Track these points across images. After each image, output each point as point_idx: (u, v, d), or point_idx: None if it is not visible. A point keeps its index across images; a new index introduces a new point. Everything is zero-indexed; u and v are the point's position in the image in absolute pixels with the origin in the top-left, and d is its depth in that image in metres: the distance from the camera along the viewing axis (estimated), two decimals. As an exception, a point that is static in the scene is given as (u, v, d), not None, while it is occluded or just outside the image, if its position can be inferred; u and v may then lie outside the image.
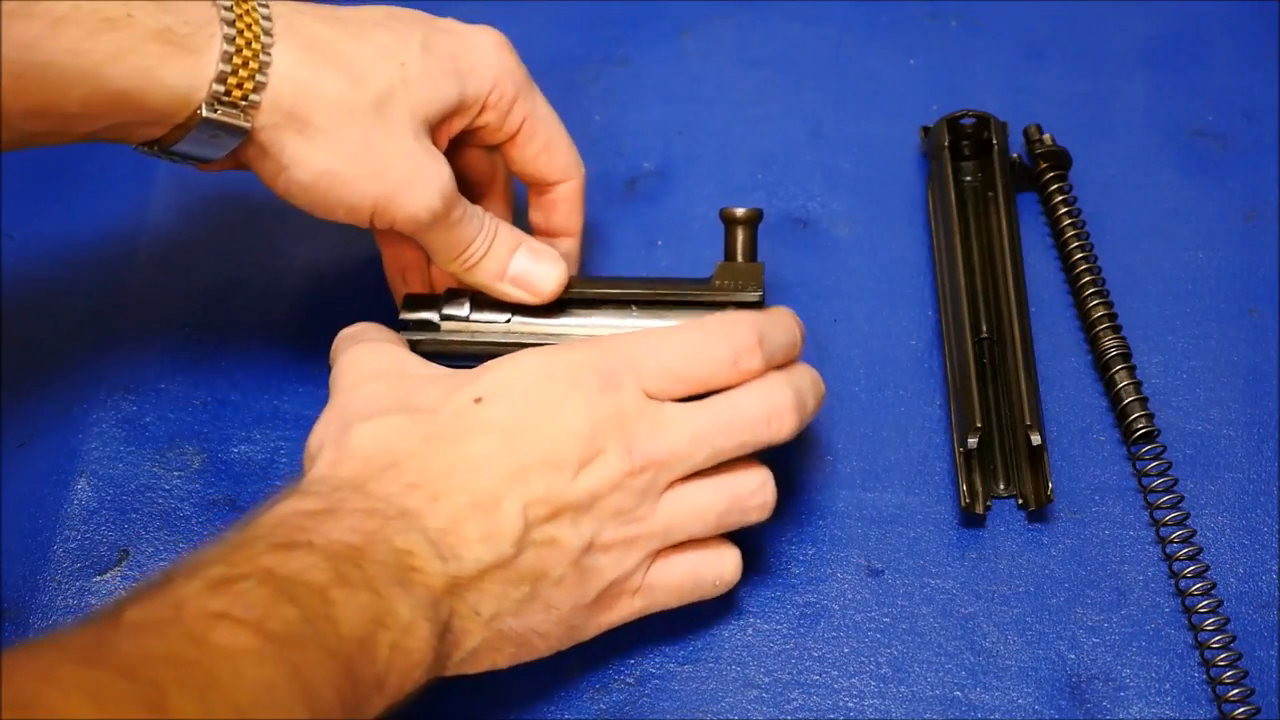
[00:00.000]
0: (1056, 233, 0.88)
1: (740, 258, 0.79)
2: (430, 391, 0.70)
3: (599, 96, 0.95)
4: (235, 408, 0.84)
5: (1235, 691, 0.74)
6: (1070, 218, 0.87)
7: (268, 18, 0.72)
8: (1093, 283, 0.85)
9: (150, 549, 0.80)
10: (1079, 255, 0.86)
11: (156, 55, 0.70)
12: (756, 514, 0.73)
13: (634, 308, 0.78)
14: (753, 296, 0.78)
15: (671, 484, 0.70)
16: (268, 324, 0.87)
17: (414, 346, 0.77)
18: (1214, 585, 0.77)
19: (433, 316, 0.78)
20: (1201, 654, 0.76)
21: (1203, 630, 0.76)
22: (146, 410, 0.84)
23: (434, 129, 0.76)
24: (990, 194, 0.88)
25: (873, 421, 0.83)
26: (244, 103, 0.71)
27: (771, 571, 0.79)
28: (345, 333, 0.76)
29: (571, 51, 0.96)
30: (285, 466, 0.82)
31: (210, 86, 0.71)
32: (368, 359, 0.73)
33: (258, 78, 0.71)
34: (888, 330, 0.86)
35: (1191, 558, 0.78)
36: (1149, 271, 0.87)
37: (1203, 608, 0.77)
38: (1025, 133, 0.91)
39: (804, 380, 0.73)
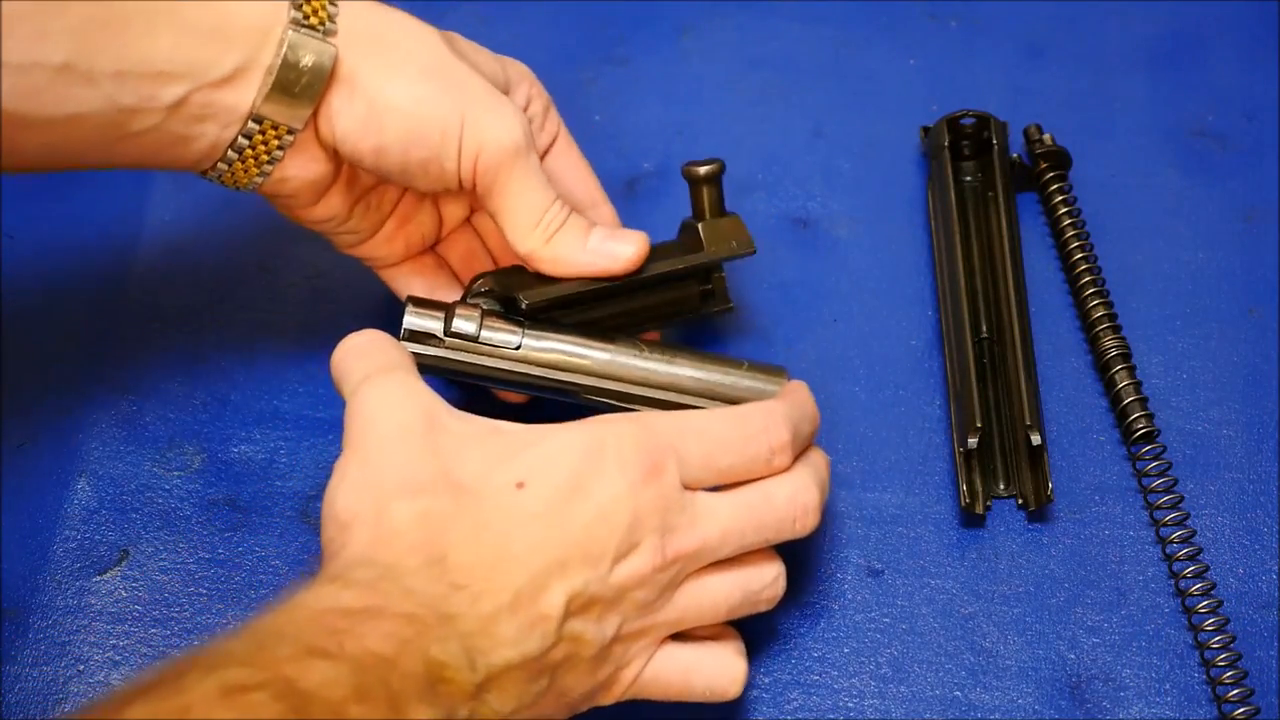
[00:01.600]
0: (1056, 233, 0.88)
1: (709, 214, 0.79)
2: (469, 461, 0.67)
3: (599, 96, 0.94)
4: (235, 408, 0.84)
5: (1235, 691, 0.74)
6: (1070, 218, 0.87)
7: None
8: (1093, 283, 0.85)
9: (150, 549, 0.80)
10: (1079, 255, 0.86)
11: None
12: (765, 605, 0.72)
13: (646, 350, 0.77)
14: (748, 250, 0.78)
15: (691, 574, 0.69)
16: (268, 324, 0.87)
17: (417, 360, 0.75)
18: (1214, 585, 0.77)
19: (438, 329, 0.76)
20: (1201, 654, 0.76)
21: (1203, 630, 0.76)
22: (146, 410, 0.84)
23: None
24: (990, 194, 0.88)
25: (873, 421, 0.83)
26: (322, 27, 0.71)
27: (771, 571, 0.79)
28: (356, 347, 0.72)
29: (571, 51, 0.96)
30: (285, 466, 0.82)
31: (289, 14, 0.71)
32: (394, 406, 0.68)
33: (329, 8, 0.72)
34: (888, 330, 0.86)
35: (1191, 558, 0.78)
36: (1149, 271, 0.87)
37: (1203, 608, 0.77)
38: (1025, 133, 0.91)
39: (824, 473, 0.73)
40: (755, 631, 0.77)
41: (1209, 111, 0.93)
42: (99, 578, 0.80)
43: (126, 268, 0.88)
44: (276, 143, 0.72)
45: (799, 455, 0.72)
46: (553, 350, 0.76)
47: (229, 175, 0.74)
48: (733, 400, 0.76)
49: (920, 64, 0.95)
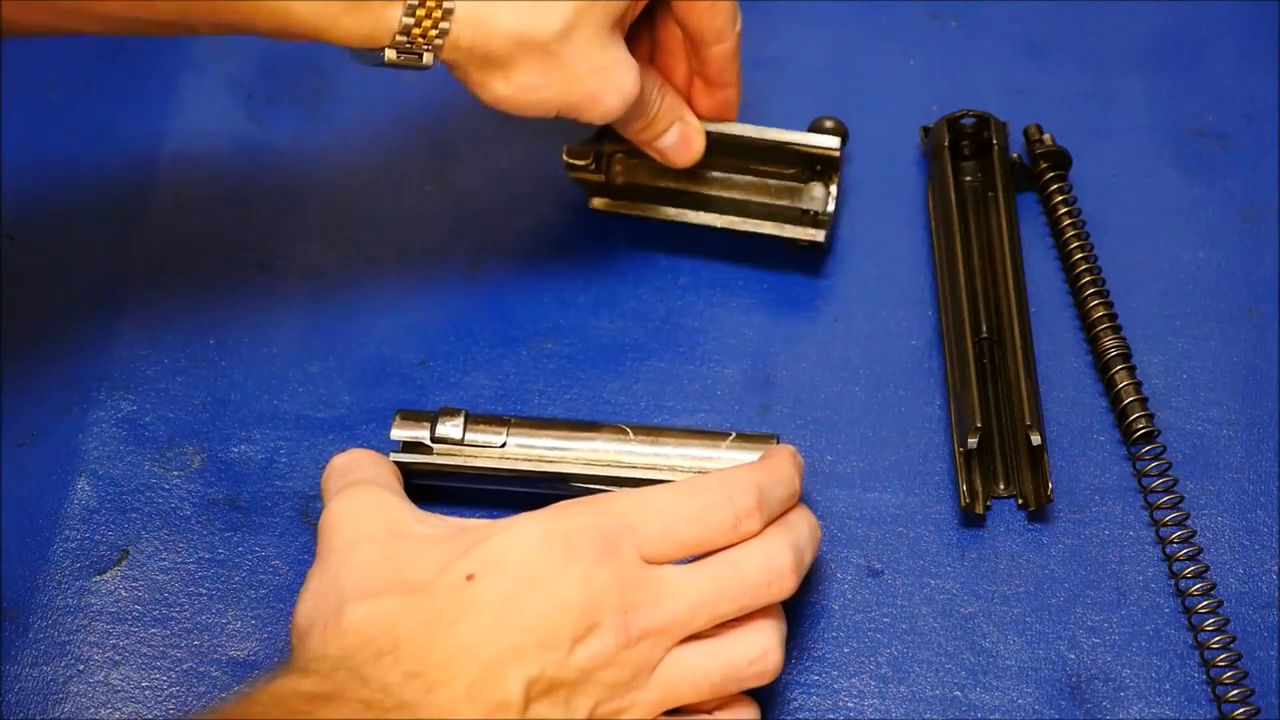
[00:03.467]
0: (1056, 233, 0.88)
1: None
2: (424, 562, 0.68)
3: (599, 96, 0.94)
4: (235, 408, 0.84)
5: (1235, 691, 0.74)
6: (1070, 218, 0.87)
7: None
8: (1093, 283, 0.85)
9: (150, 549, 0.80)
10: (1079, 255, 0.86)
11: (342, 9, 0.72)
12: (755, 681, 0.70)
13: (630, 433, 0.78)
14: (833, 143, 0.86)
15: (669, 649, 0.68)
16: (268, 324, 0.87)
17: (404, 468, 0.77)
18: (1214, 585, 0.77)
19: (424, 437, 0.78)
20: (1201, 654, 0.76)
21: (1203, 630, 0.76)
22: (146, 410, 0.84)
23: (624, 19, 0.78)
24: (990, 194, 0.88)
25: (873, 421, 0.83)
26: (426, 47, 0.74)
27: (771, 571, 0.79)
28: (338, 466, 0.75)
29: (571, 51, 0.96)
30: (285, 466, 0.82)
31: (394, 36, 0.73)
32: (359, 517, 0.70)
33: (440, 25, 0.73)
34: (888, 330, 0.86)
35: (1191, 558, 0.78)
36: (1149, 271, 0.87)
37: (1203, 608, 0.77)
38: (1025, 133, 0.91)
39: (803, 534, 0.71)
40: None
41: (1209, 111, 0.93)
42: (99, 578, 0.80)
43: (126, 267, 0.88)
44: (439, 13, 0.73)
45: (777, 519, 0.71)
46: (537, 446, 0.78)
47: (408, 45, 0.74)
48: None
49: (920, 64, 0.95)
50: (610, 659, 0.66)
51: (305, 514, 0.81)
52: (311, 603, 0.68)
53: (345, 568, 0.68)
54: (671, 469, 0.77)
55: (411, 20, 0.72)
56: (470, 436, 0.78)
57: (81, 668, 0.77)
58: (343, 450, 0.76)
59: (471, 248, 0.89)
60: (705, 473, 0.74)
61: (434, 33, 0.73)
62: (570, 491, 0.76)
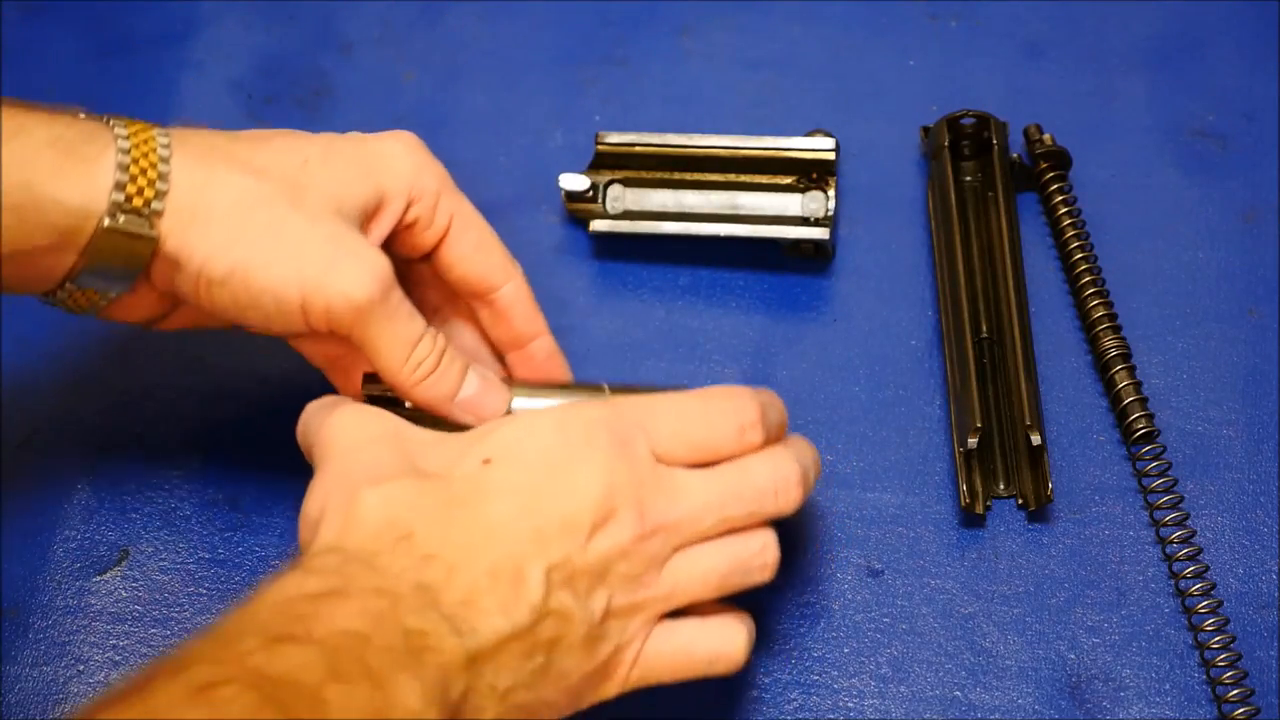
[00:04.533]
0: (1056, 233, 0.88)
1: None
2: (436, 454, 0.67)
3: (599, 96, 0.95)
4: (235, 408, 0.84)
5: (1235, 691, 0.74)
6: (1070, 218, 0.87)
7: (163, 134, 0.71)
8: (1093, 283, 0.85)
9: (150, 549, 0.80)
10: (1079, 255, 0.86)
11: (50, 163, 0.68)
12: (759, 575, 0.70)
13: (607, 390, 0.76)
14: (828, 145, 0.86)
15: (677, 548, 0.69)
16: (268, 324, 0.87)
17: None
18: (1214, 585, 0.77)
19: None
20: (1201, 654, 0.76)
21: (1203, 630, 0.76)
22: (146, 410, 0.84)
23: (360, 225, 0.73)
24: (990, 194, 0.88)
25: (873, 421, 0.83)
26: (147, 210, 0.69)
27: (771, 571, 0.79)
28: (315, 404, 0.72)
29: (571, 51, 0.96)
30: (285, 466, 0.82)
31: (110, 196, 0.69)
32: (360, 423, 0.69)
33: (158, 185, 0.70)
34: (888, 330, 0.86)
35: (1191, 558, 0.78)
36: (1149, 271, 0.87)
37: (1203, 608, 0.77)
38: (1025, 133, 0.91)
39: (806, 454, 0.72)
40: (756, 631, 0.77)
41: (1209, 111, 0.93)
42: (99, 578, 0.80)
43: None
44: (100, 300, 0.71)
45: (774, 441, 0.71)
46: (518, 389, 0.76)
47: (64, 306, 0.72)
48: None
49: (920, 64, 0.95)
50: (626, 550, 0.66)
51: (305, 514, 0.81)
52: (321, 496, 0.66)
53: (355, 462, 0.67)
54: None
55: (125, 176, 0.69)
56: None
57: (81, 668, 0.77)
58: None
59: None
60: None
61: (151, 191, 0.69)
62: None
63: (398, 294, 0.72)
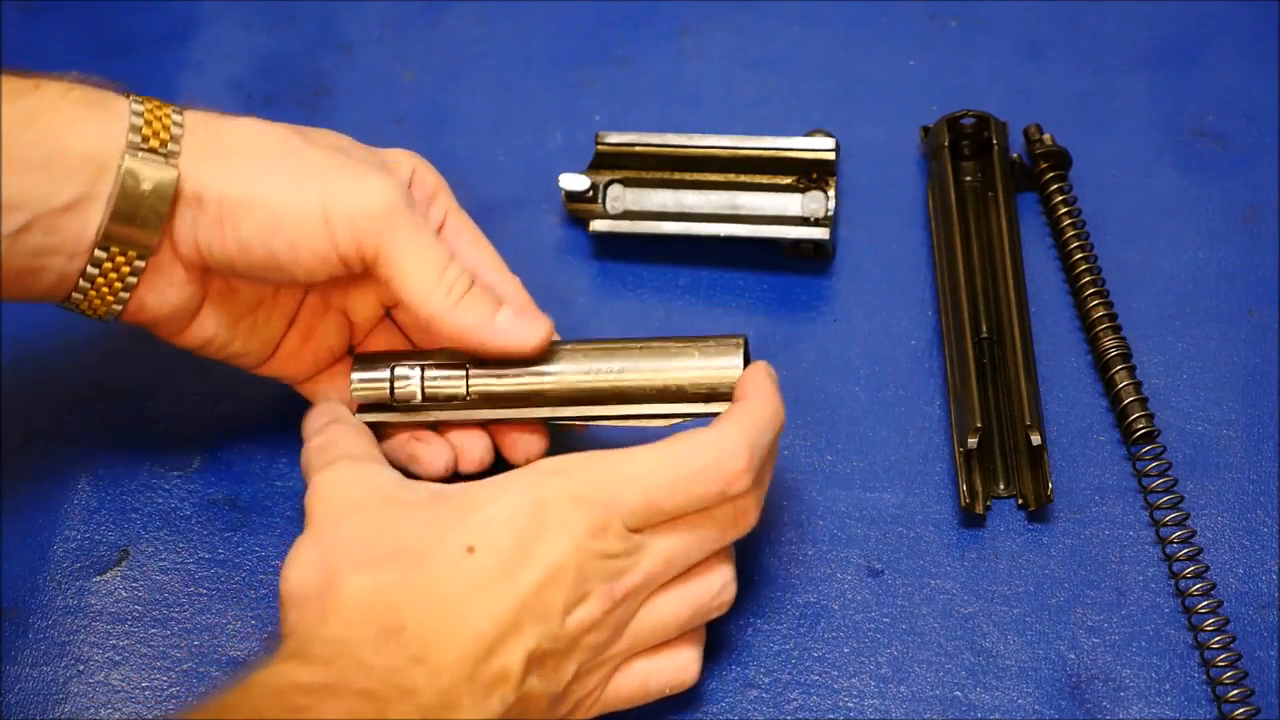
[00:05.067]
0: (1056, 233, 0.88)
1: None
2: (418, 531, 0.67)
3: (599, 96, 0.95)
4: (235, 407, 0.84)
5: (1235, 691, 0.74)
6: (1070, 218, 0.87)
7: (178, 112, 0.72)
8: (1093, 283, 0.85)
9: (150, 549, 0.80)
10: (1079, 255, 0.86)
11: (66, 114, 0.69)
12: (717, 612, 0.72)
13: (597, 358, 0.75)
14: (828, 145, 0.86)
15: (641, 605, 0.70)
16: (268, 324, 0.87)
17: (375, 427, 0.76)
18: (1214, 585, 0.77)
19: (385, 397, 0.75)
20: (1201, 654, 0.76)
21: (1203, 630, 0.76)
22: (146, 410, 0.84)
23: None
24: (990, 194, 0.88)
25: (873, 421, 0.83)
26: (164, 150, 0.70)
27: (771, 571, 0.79)
28: (315, 446, 0.73)
29: (571, 51, 0.96)
30: (285, 466, 0.82)
31: (127, 137, 0.70)
32: (345, 487, 0.70)
33: (173, 129, 0.71)
34: (888, 330, 0.86)
35: (1191, 558, 0.78)
36: (1149, 271, 0.87)
37: (1203, 608, 0.77)
38: (1025, 133, 0.91)
39: (768, 472, 0.72)
40: (755, 631, 0.77)
41: (1209, 111, 0.93)
42: (99, 578, 0.80)
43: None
44: (128, 269, 0.71)
45: (764, 469, 0.71)
46: (503, 381, 0.75)
47: (85, 304, 0.72)
48: (690, 396, 0.74)
49: (920, 64, 0.95)
50: (596, 623, 0.68)
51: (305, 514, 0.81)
52: (304, 572, 0.67)
53: (338, 538, 0.68)
54: (642, 389, 0.74)
55: (140, 121, 0.70)
56: (429, 390, 0.75)
57: (81, 668, 0.77)
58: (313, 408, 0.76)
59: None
60: (691, 397, 0.73)
61: (166, 134, 0.70)
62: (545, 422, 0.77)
63: (420, 211, 0.73)
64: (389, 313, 0.80)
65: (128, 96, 0.71)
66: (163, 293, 0.73)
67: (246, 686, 0.62)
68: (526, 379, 0.75)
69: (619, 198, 0.89)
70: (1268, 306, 0.86)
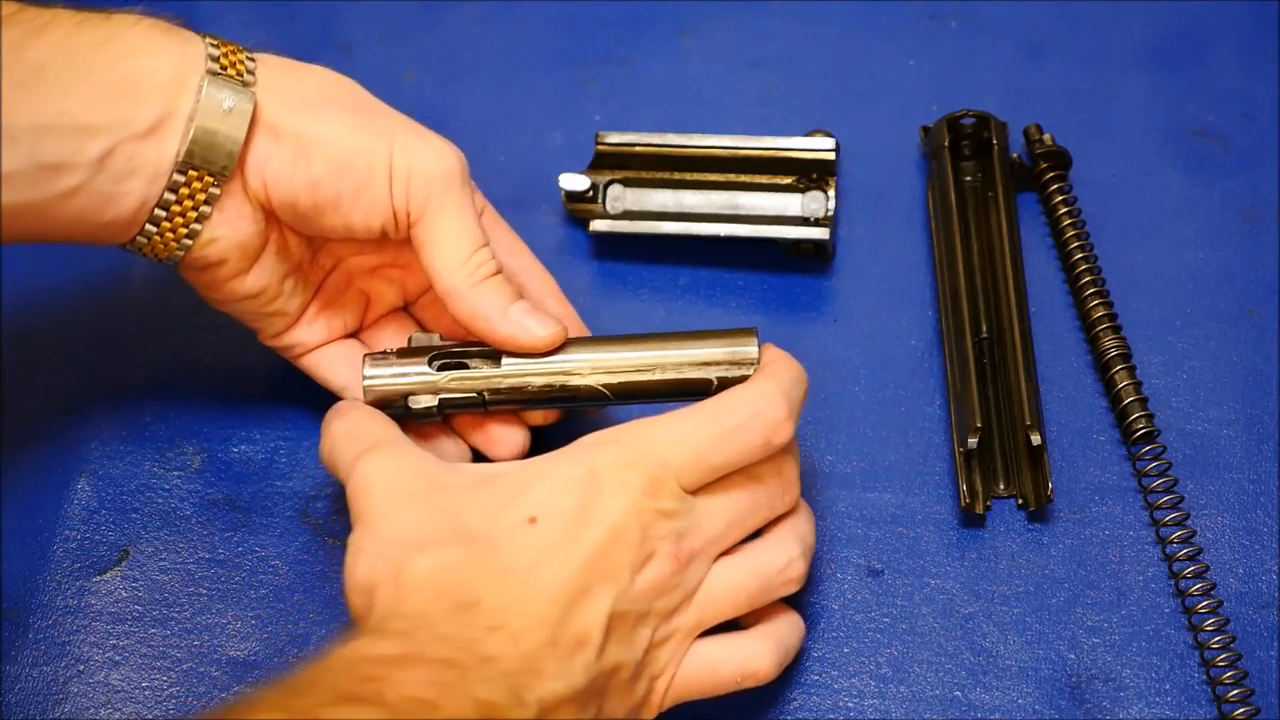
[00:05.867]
0: (1056, 233, 0.88)
1: None
2: (474, 508, 0.68)
3: (599, 96, 0.95)
4: (235, 407, 0.84)
5: (1235, 691, 0.74)
6: (1070, 218, 0.87)
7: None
8: (1093, 283, 0.85)
9: (150, 549, 0.80)
10: (1079, 255, 0.86)
11: (141, 38, 0.70)
12: (784, 589, 0.72)
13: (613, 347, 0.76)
14: (828, 145, 0.86)
15: (706, 570, 0.71)
16: (268, 324, 0.87)
17: (402, 418, 0.75)
18: (1214, 585, 0.77)
19: (399, 407, 0.75)
20: (1201, 654, 0.76)
21: (1203, 630, 0.76)
22: (146, 410, 0.84)
23: None
24: (990, 194, 0.88)
25: (873, 421, 0.83)
26: (240, 78, 0.72)
27: (771, 571, 0.79)
28: (341, 432, 0.72)
29: (571, 51, 0.96)
30: (285, 466, 0.82)
31: (205, 64, 0.71)
32: (392, 475, 0.69)
33: (247, 63, 0.72)
34: (888, 330, 0.86)
35: (1191, 558, 0.78)
36: (1149, 271, 0.87)
37: (1203, 608, 0.77)
38: (1025, 133, 0.91)
39: (795, 450, 0.74)
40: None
41: (1209, 111, 0.93)
42: (99, 578, 0.80)
43: (126, 267, 0.88)
44: (203, 196, 0.72)
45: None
46: (518, 375, 0.75)
47: (157, 238, 0.73)
48: (709, 378, 0.75)
49: (920, 64, 0.95)
50: (665, 585, 0.68)
51: (305, 514, 0.81)
52: (368, 562, 0.67)
53: (394, 524, 0.67)
54: (662, 367, 0.75)
55: (218, 52, 0.72)
56: (445, 397, 0.75)
57: (81, 668, 0.77)
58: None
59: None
60: (729, 387, 0.73)
61: (242, 65, 0.72)
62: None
63: (471, 192, 0.74)
64: (406, 308, 0.81)
65: (200, 34, 0.73)
66: (232, 225, 0.73)
67: (323, 660, 0.62)
68: (545, 369, 0.75)
69: (619, 198, 0.89)
70: (1268, 306, 0.86)
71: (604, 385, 0.75)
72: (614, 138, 0.88)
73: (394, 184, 0.73)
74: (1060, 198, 0.88)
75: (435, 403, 0.75)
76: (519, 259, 0.81)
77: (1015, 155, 0.89)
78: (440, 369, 0.75)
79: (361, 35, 0.97)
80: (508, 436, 0.77)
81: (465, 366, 0.75)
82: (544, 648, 0.64)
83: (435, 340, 0.77)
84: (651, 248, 0.89)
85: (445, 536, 0.67)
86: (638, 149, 0.88)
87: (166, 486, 0.82)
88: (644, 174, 0.89)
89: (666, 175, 0.89)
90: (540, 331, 0.74)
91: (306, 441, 0.83)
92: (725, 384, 0.74)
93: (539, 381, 0.75)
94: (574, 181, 0.87)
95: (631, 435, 0.70)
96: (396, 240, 0.75)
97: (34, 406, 0.84)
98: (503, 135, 0.93)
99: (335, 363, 0.79)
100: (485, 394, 0.75)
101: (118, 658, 0.78)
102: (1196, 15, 0.96)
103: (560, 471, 0.68)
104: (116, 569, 0.80)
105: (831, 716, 0.76)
